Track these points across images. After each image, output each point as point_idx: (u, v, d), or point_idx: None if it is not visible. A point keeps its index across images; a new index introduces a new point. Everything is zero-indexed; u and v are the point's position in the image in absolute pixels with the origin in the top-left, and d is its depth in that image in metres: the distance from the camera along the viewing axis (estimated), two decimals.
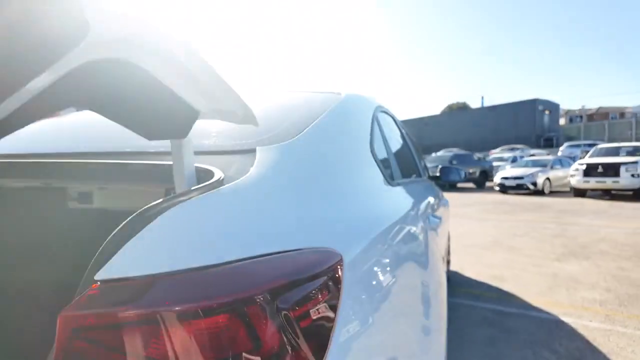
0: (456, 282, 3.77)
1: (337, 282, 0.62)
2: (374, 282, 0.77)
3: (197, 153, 0.80)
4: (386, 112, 2.08)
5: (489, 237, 5.94)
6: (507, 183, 13.94)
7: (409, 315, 0.94)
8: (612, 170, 11.30)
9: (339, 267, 0.63)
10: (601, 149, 13.31)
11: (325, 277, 0.60)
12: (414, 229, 1.25)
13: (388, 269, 0.87)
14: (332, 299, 0.60)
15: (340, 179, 0.96)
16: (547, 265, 4.31)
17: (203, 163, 0.77)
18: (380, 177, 1.28)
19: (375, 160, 1.30)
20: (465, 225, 7.14)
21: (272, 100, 1.44)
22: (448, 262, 3.69)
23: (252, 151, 0.83)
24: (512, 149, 28.81)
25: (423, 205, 1.75)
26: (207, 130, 1.06)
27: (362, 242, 0.79)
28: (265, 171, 0.74)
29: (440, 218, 1.94)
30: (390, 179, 1.38)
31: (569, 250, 4.96)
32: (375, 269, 0.80)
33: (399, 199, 1.32)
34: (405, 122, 50.79)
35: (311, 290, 0.56)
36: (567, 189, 13.18)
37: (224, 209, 0.60)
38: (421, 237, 1.32)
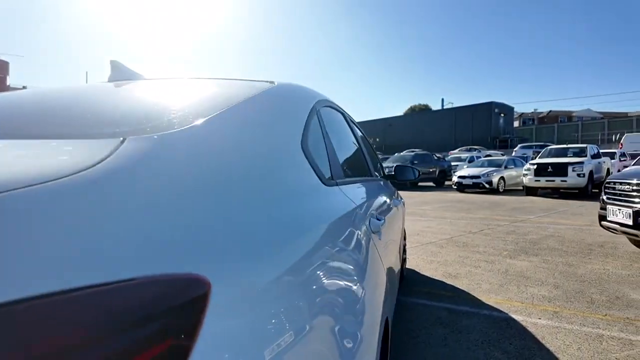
0: (412, 281, 3.71)
1: (193, 327, 0.44)
2: (277, 316, 0.59)
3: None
4: (333, 107, 1.93)
5: (444, 235, 5.99)
6: (464, 182, 14.36)
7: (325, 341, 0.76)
8: (560, 170, 11.89)
9: (200, 301, 0.45)
10: (551, 149, 14.00)
11: (168, 320, 0.42)
12: (347, 233, 1.09)
13: (303, 291, 0.70)
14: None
15: (247, 180, 0.77)
16: (499, 261, 4.36)
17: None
18: (313, 177, 1.12)
19: (308, 158, 1.13)
20: (424, 223, 7.19)
21: (180, 87, 1.25)
22: (404, 260, 3.63)
23: (118, 141, 0.63)
24: (470, 150, 29.88)
25: (365, 207, 1.59)
26: (78, 114, 0.85)
27: (262, 260, 0.62)
28: (117, 167, 0.54)
29: (383, 220, 1.80)
30: (327, 179, 1.23)
31: (519, 247, 5.08)
32: (283, 294, 0.63)
33: (334, 200, 1.18)
34: (369, 122, 51.62)
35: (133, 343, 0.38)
36: (520, 187, 13.75)
37: (18, 219, 0.41)
38: (356, 242, 1.16)
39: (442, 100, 54.76)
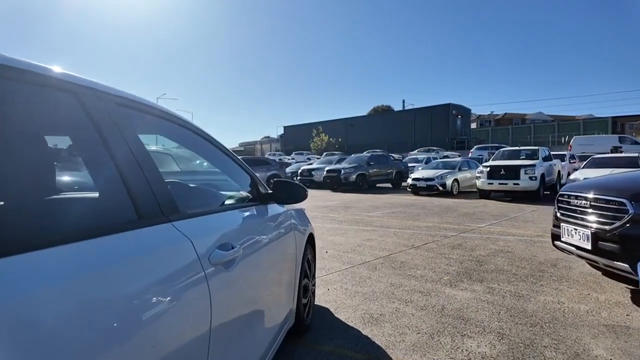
0: (318, 330, 2.80)
1: None
2: None
3: None
4: (165, 117, 1.47)
5: (383, 252, 5.17)
6: (419, 184, 13.82)
7: None
8: (513, 172, 11.54)
9: None
10: (504, 151, 13.73)
11: None
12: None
13: None
14: None
15: None
16: (436, 292, 3.55)
17: None
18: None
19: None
20: (366, 234, 6.37)
21: None
22: (305, 305, 2.71)
23: None
24: (428, 150, 29.86)
25: (208, 241, 1.27)
26: None
27: None
28: None
29: (237, 248, 1.42)
30: (150, 216, 1.08)
31: (464, 269, 4.32)
32: None
33: (155, 242, 1.05)
34: (331, 122, 51.07)
35: None
36: (474, 189, 13.38)
37: None
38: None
39: (403, 101, 55.28)
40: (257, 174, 2.17)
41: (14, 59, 0.87)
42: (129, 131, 1.14)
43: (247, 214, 1.81)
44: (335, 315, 3.07)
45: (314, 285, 2.97)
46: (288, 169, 18.73)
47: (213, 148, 1.79)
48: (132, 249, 0.95)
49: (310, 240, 2.89)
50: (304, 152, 38.60)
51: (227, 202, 2.01)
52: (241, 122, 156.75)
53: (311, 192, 11.92)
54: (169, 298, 0.98)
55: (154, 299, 0.94)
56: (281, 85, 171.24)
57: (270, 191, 2.11)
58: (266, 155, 35.61)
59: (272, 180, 2.15)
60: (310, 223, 2.94)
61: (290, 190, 2.10)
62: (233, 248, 1.39)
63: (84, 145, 1.08)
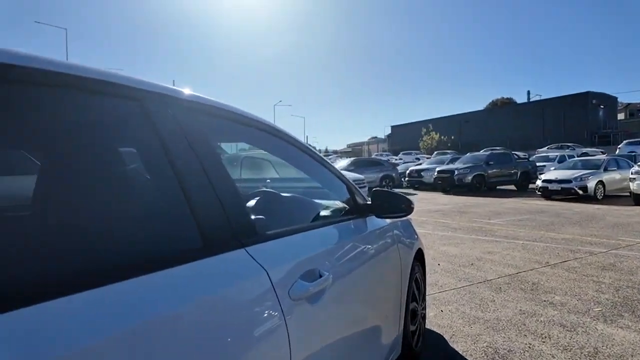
0: None
1: None
2: None
3: None
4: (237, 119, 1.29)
5: (509, 268, 4.42)
6: (551, 187, 11.93)
7: None
8: None
9: None
10: None
11: None
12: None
13: None
14: None
15: None
16: (584, 327, 2.81)
17: None
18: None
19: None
20: (486, 246, 5.60)
21: None
22: (422, 318, 2.36)
23: None
24: (561, 147, 25.94)
25: (289, 269, 1.05)
26: None
27: None
28: None
29: (326, 276, 1.17)
30: (220, 242, 0.92)
31: (621, 298, 3.39)
32: None
33: (222, 275, 0.88)
34: (442, 119, 48.40)
35: None
36: (626, 194, 11.01)
37: None
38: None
39: (528, 92, 49.35)
40: (369, 175, 1.89)
41: (72, 64, 0.76)
42: (199, 140, 0.98)
43: (341, 230, 1.55)
44: (451, 344, 2.62)
45: (423, 308, 2.58)
46: None
47: (303, 154, 1.57)
48: (185, 286, 0.76)
49: (419, 256, 2.51)
50: (412, 151, 37.17)
51: (321, 214, 1.78)
52: (349, 123, 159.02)
53: (420, 195, 11.33)
54: (232, 346, 0.77)
55: (213, 348, 0.73)
56: (389, 84, 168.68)
57: (369, 202, 1.81)
58: (373, 156, 35.33)
59: (372, 190, 1.85)
60: (418, 236, 2.56)
61: (392, 202, 1.78)
62: (321, 276, 1.14)
63: (143, 158, 0.94)
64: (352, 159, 17.96)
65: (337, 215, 1.75)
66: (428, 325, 2.90)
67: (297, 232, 1.27)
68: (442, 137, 42.32)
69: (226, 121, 1.22)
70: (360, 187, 11.02)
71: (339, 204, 1.87)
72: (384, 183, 15.33)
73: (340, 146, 79.18)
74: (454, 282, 3.95)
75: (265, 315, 0.89)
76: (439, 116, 49.43)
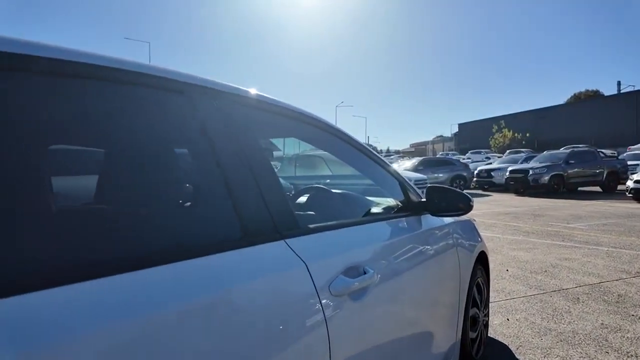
0: None
1: None
2: None
3: None
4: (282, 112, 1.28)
5: (589, 277, 3.99)
6: None
7: None
8: None
9: None
10: None
11: None
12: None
13: None
14: None
15: None
16: None
17: None
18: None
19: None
20: (563, 251, 5.12)
21: None
22: (485, 326, 2.23)
23: None
24: None
25: (332, 263, 1.06)
26: None
27: None
28: None
29: (370, 274, 1.13)
30: (260, 233, 0.94)
31: None
32: None
33: (259, 265, 0.89)
34: (516, 115, 45.06)
35: None
36: None
37: None
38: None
39: (619, 83, 44.07)
40: (439, 175, 1.83)
41: (124, 60, 0.82)
42: (243, 134, 1.01)
43: (391, 227, 1.50)
44: (517, 356, 2.43)
45: (486, 315, 2.42)
46: None
47: (354, 150, 1.55)
48: (220, 275, 0.79)
49: (482, 260, 2.36)
50: (482, 150, 35.06)
51: (372, 210, 1.74)
52: (412, 122, 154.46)
53: (489, 197, 10.67)
54: (266, 338, 0.78)
55: (246, 339, 0.75)
56: (456, 81, 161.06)
57: (423, 199, 1.74)
58: (438, 155, 33.98)
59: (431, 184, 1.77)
60: (482, 239, 2.40)
61: (448, 199, 1.69)
62: (366, 273, 1.12)
63: (189, 150, 0.99)
64: (421, 158, 17.39)
65: (389, 213, 1.70)
66: (492, 334, 2.71)
67: (342, 226, 1.25)
68: (516, 135, 39.38)
69: (275, 116, 1.24)
70: (424, 187, 10.69)
71: (391, 201, 1.82)
72: (455, 184, 14.67)
73: (403, 146, 77.40)
74: (523, 290, 3.66)
75: (303, 307, 0.89)
76: (512, 112, 46.12)
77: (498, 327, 2.84)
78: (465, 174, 15.21)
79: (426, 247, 1.63)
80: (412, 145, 70.76)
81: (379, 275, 1.17)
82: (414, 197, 1.76)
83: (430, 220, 1.79)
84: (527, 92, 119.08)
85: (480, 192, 15.17)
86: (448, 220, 1.95)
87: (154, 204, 0.88)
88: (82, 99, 0.77)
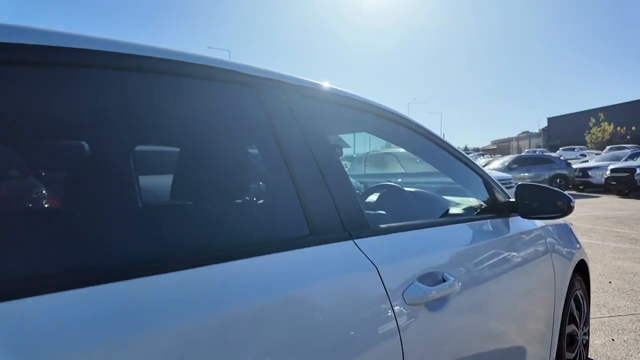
0: None
1: None
2: None
3: None
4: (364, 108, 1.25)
5: None
6: None
7: None
8: None
9: None
10: None
11: None
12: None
13: None
14: None
15: None
16: None
17: None
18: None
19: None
20: None
21: None
22: (584, 346, 1.98)
23: None
24: None
25: (404, 268, 0.97)
26: None
27: None
28: None
29: (451, 281, 1.02)
30: (327, 233, 0.88)
31: None
32: None
33: (322, 266, 0.82)
34: (618, 106, 39.72)
35: None
36: None
37: None
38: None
39: None
40: (537, 174, 1.63)
41: (180, 52, 0.81)
42: (313, 128, 0.95)
43: (474, 230, 1.35)
44: None
45: (586, 333, 2.10)
46: None
47: (431, 144, 1.42)
48: (285, 274, 0.74)
49: (581, 270, 2.05)
50: (576, 147, 31.44)
51: (451, 211, 1.59)
52: (493, 118, 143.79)
53: (586, 199, 9.53)
54: (334, 342, 0.72)
55: (312, 341, 0.69)
56: (543, 72, 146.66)
57: (512, 199, 1.55)
58: (525, 152, 31.26)
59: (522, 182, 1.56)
60: (581, 245, 2.09)
61: (542, 199, 1.47)
62: (445, 281, 1.00)
63: (254, 144, 0.96)
64: (514, 156, 16.13)
65: (471, 214, 1.54)
66: (592, 355, 2.37)
67: (417, 227, 1.14)
68: (618, 129, 34.68)
69: (345, 109, 1.17)
70: (507, 188, 9.85)
71: (473, 201, 1.66)
72: (554, 183, 13.39)
73: (484, 143, 72.57)
74: (631, 306, 3.15)
75: (373, 314, 0.82)
76: (612, 103, 40.71)
77: (600, 349, 2.47)
78: (566, 173, 13.72)
79: (515, 253, 1.44)
80: (493, 142, 66.08)
81: (460, 284, 1.05)
82: (500, 197, 1.57)
83: (519, 223, 1.58)
84: (630, 81, 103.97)
85: (574, 192, 13.63)
86: (540, 223, 1.72)
87: (225, 201, 0.88)
88: (161, 96, 0.78)
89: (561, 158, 15.17)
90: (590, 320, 2.84)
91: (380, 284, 0.85)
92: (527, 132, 59.84)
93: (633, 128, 34.46)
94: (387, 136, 1.64)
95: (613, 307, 3.16)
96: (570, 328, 1.90)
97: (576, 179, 14.38)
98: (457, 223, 1.34)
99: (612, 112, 37.47)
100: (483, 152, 43.67)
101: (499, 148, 54.66)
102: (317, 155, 0.92)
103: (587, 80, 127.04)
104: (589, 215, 8.23)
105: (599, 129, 35.80)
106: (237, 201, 0.90)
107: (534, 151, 32.87)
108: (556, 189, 1.52)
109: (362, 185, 2.55)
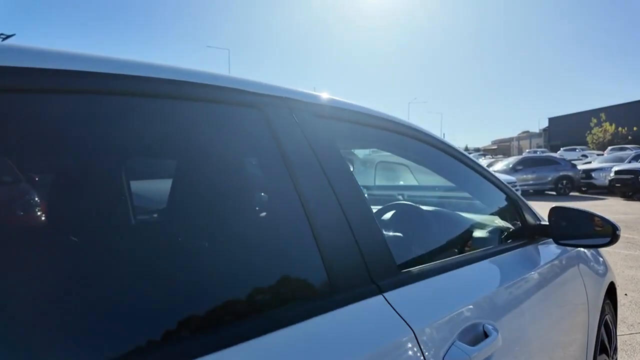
0: None
1: None
2: None
3: None
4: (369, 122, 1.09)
5: None
6: None
7: None
8: None
9: None
10: None
11: None
12: None
13: None
14: None
15: None
16: None
17: None
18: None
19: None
20: None
21: None
22: None
23: None
24: None
25: (441, 323, 0.80)
26: None
27: None
28: None
29: (495, 336, 0.85)
30: (349, 286, 0.72)
31: None
32: None
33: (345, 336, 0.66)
34: (620, 106, 39.59)
35: None
36: None
37: None
38: None
39: None
40: (541, 175, 1.47)
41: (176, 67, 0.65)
42: (325, 149, 0.79)
43: (506, 263, 1.19)
44: None
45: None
46: None
47: (450, 159, 1.26)
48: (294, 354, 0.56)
49: (610, 293, 1.90)
50: (577, 147, 31.29)
51: (476, 236, 1.43)
52: (494, 118, 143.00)
53: (590, 202, 9.36)
54: None
55: None
56: (544, 71, 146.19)
57: (544, 222, 1.39)
58: (525, 152, 31.08)
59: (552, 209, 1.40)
60: (609, 266, 1.94)
61: (580, 225, 1.32)
62: (487, 335, 0.84)
63: (263, 169, 0.79)
64: (519, 157, 15.96)
65: (498, 239, 1.39)
66: None
67: (448, 268, 0.97)
68: (620, 129, 34.49)
69: (366, 127, 1.01)
70: None
71: (498, 220, 1.50)
72: (560, 185, 13.22)
73: (484, 143, 72.38)
74: None
75: None
76: (614, 103, 40.50)
77: None
78: (571, 174, 13.56)
79: (552, 286, 1.29)
80: (493, 142, 65.86)
81: (503, 336, 0.89)
82: (530, 218, 1.41)
83: (550, 249, 1.43)
84: (632, 81, 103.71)
85: (577, 194, 13.48)
86: (570, 247, 1.56)
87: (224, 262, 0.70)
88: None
89: (565, 159, 15.04)
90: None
91: (417, 350, 0.69)
92: (528, 132, 59.67)
93: (635, 128, 34.33)
94: (408, 154, 1.48)
95: (632, 323, 3.01)
96: (602, 358, 1.74)
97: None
98: (490, 257, 1.17)
99: (614, 113, 37.33)
100: (484, 152, 43.46)
101: (500, 148, 54.50)
102: (337, 188, 0.76)
103: (589, 80, 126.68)
104: None
105: (600, 129, 35.65)
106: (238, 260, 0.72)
107: (535, 151, 32.73)
108: (596, 213, 1.37)
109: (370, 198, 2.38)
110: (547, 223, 1.38)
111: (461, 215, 1.61)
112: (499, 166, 14.43)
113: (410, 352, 0.68)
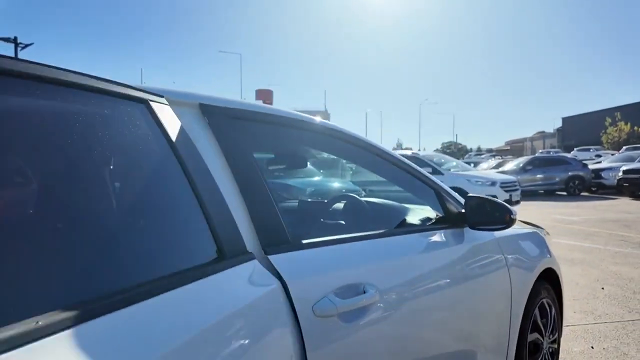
0: None
1: None
2: None
3: None
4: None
5: None
6: None
7: None
8: None
9: None
10: None
11: None
12: None
13: None
14: None
15: None
16: None
17: None
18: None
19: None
20: None
21: None
22: (552, 354, 2.04)
23: None
24: None
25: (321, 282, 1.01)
26: None
27: None
28: None
29: (372, 293, 1.06)
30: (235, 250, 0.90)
31: None
32: None
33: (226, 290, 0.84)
34: (636, 105, 38.48)
35: None
36: None
37: None
38: None
39: None
40: (552, 175, 1.64)
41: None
42: (229, 146, 1.00)
43: (414, 241, 1.39)
44: None
45: (554, 342, 2.10)
46: None
47: (373, 156, 1.47)
48: (189, 302, 0.75)
49: (549, 278, 2.06)
50: (591, 147, 30.75)
51: (406, 221, 1.64)
52: (507, 118, 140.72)
53: (597, 202, 9.31)
54: None
55: None
56: (559, 70, 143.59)
57: (462, 210, 1.58)
58: (539, 152, 30.70)
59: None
60: (551, 252, 2.10)
61: (485, 211, 1.51)
62: (365, 292, 1.04)
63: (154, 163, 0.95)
64: (529, 157, 15.84)
65: (422, 224, 1.58)
66: None
67: (348, 241, 1.18)
68: (636, 128, 33.75)
69: (275, 127, 1.23)
70: (513, 190, 9.66)
71: (429, 211, 1.69)
72: (571, 185, 13.13)
73: (498, 144, 71.46)
74: (619, 313, 3.12)
75: (274, 333, 0.86)
76: (630, 102, 39.62)
77: (577, 356, 2.46)
78: (582, 174, 13.41)
79: (463, 263, 1.48)
80: (507, 143, 65.10)
81: (384, 296, 1.09)
82: (453, 208, 1.60)
83: (474, 234, 1.61)
84: None
85: (586, 194, 13.36)
86: (497, 234, 1.74)
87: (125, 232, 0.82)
88: None
89: (576, 159, 14.88)
90: (574, 327, 2.84)
91: (282, 299, 0.88)
92: (542, 132, 58.80)
93: None
94: (332, 152, 1.70)
95: (601, 313, 3.13)
96: (534, 336, 1.91)
97: None
98: (400, 235, 1.38)
99: (629, 112, 36.51)
100: (495, 153, 43.02)
101: (512, 149, 53.84)
102: (235, 172, 0.97)
103: (604, 79, 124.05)
104: (596, 218, 8.08)
105: (615, 128, 34.93)
106: (136, 231, 0.83)
107: (548, 152, 32.28)
108: (497, 200, 1.56)
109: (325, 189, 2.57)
110: (465, 211, 1.57)
111: (400, 205, 1.81)
112: (509, 166, 14.36)
113: (281, 299, 0.89)
